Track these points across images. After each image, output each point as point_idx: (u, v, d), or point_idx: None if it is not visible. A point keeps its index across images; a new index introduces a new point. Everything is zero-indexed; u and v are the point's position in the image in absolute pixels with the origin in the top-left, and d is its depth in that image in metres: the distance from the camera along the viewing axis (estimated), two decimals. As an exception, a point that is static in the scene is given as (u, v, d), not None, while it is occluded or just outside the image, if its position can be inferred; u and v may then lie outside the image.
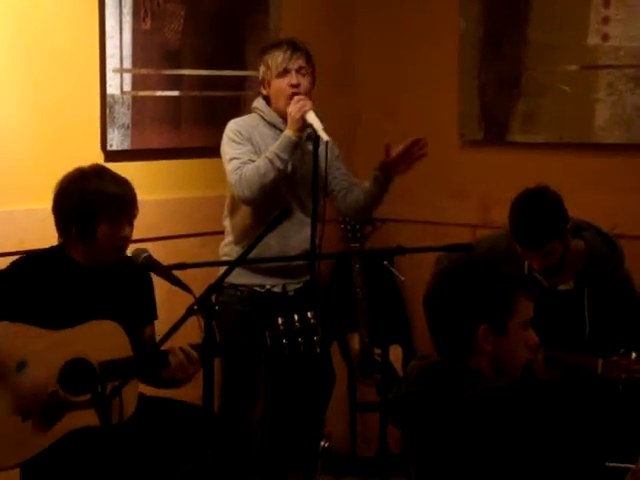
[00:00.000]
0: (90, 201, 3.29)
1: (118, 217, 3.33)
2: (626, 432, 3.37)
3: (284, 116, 3.85)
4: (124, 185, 3.37)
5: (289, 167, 3.80)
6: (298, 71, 3.85)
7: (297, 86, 3.82)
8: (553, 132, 4.49)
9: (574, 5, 4.36)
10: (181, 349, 3.26)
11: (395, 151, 3.84)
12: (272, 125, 3.91)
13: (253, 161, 3.80)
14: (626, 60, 4.26)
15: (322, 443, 3.69)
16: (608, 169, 4.35)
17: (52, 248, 3.40)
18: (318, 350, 3.37)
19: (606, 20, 4.30)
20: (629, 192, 4.27)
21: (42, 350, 3.20)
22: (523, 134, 4.57)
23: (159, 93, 4.29)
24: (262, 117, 3.92)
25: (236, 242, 3.95)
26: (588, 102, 4.36)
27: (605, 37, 4.30)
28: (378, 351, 4.51)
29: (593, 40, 4.33)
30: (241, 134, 3.87)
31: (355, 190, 3.98)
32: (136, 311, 3.43)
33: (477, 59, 4.66)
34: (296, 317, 3.32)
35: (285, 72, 3.84)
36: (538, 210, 3.45)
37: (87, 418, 3.15)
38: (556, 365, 3.36)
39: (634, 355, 3.24)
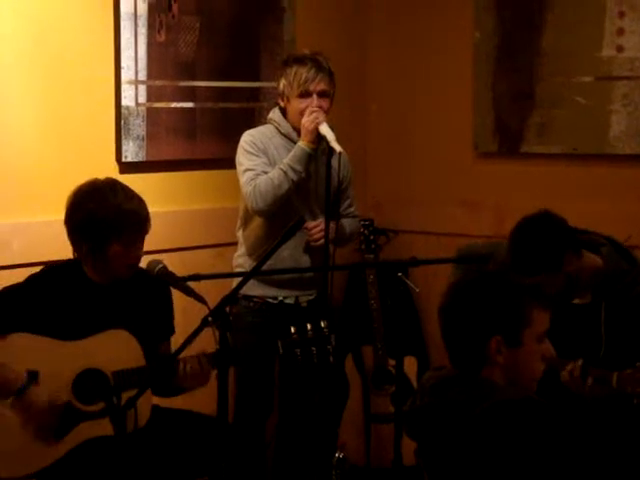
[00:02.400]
0: (104, 219, 3.25)
1: (131, 236, 3.29)
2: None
3: (300, 130, 3.85)
4: (138, 202, 3.33)
5: (302, 178, 3.81)
6: (320, 94, 3.84)
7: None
8: (567, 143, 4.49)
9: (589, 16, 4.36)
10: (196, 357, 3.25)
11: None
12: (287, 137, 3.91)
13: (267, 173, 3.81)
14: (641, 71, 4.27)
15: (336, 454, 3.68)
16: (623, 180, 4.34)
17: (69, 261, 3.39)
18: (332, 359, 3.36)
19: (621, 32, 4.29)
20: (644, 203, 4.27)
21: (55, 360, 3.21)
22: (537, 145, 4.56)
23: (174, 105, 4.30)
24: (277, 129, 3.93)
25: (249, 254, 3.96)
26: (603, 113, 4.35)
27: (620, 48, 4.30)
28: (393, 362, 4.51)
29: (608, 51, 4.33)
30: (256, 145, 3.87)
31: (343, 220, 3.99)
32: (154, 327, 3.42)
33: (491, 70, 4.66)
34: (309, 326, 3.32)
35: (307, 94, 3.83)
36: (533, 241, 3.38)
37: (101, 428, 3.16)
38: (600, 382, 3.31)
39: None
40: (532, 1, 4.52)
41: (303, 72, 3.83)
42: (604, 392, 3.25)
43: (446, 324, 2.57)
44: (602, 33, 4.33)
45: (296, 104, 3.85)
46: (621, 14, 4.29)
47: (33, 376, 3.18)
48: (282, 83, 3.89)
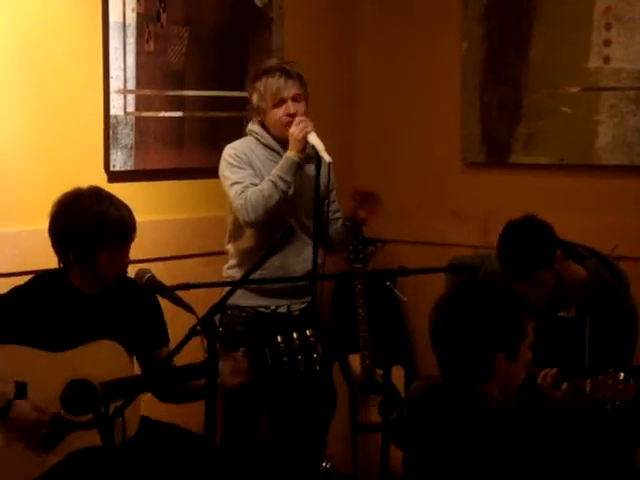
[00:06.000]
0: (90, 227, 3.24)
1: (119, 244, 3.28)
2: (614, 452, 3.36)
3: (281, 140, 3.86)
4: (124, 210, 3.32)
5: (291, 188, 3.82)
6: (294, 99, 3.86)
7: (294, 115, 3.84)
8: (555, 154, 4.51)
9: (576, 28, 4.38)
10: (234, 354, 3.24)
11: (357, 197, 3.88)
12: (269, 147, 3.92)
13: (255, 184, 3.81)
14: (627, 82, 4.28)
15: (324, 464, 3.68)
16: (610, 191, 4.36)
17: (55, 271, 3.37)
18: (318, 368, 3.37)
19: (607, 43, 4.32)
20: (630, 214, 4.28)
21: (44, 371, 3.20)
22: (525, 156, 4.58)
23: (162, 114, 4.30)
24: (258, 140, 3.93)
25: (241, 265, 3.94)
26: (590, 124, 4.38)
27: (606, 59, 4.32)
28: (380, 372, 4.51)
29: (595, 62, 4.35)
30: (240, 158, 3.87)
31: (333, 225, 3.99)
32: (144, 336, 3.41)
33: (479, 81, 4.68)
34: (295, 335, 3.32)
35: (281, 102, 3.85)
36: (523, 240, 3.42)
37: (89, 439, 3.14)
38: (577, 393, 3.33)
39: (622, 375, 3.22)
40: (520, 12, 4.54)
41: (273, 82, 3.85)
42: (578, 399, 3.27)
43: (444, 338, 2.55)
44: (589, 44, 4.36)
45: (273, 114, 3.87)
46: (608, 26, 4.31)
47: (22, 388, 3.17)
48: (255, 98, 3.90)
